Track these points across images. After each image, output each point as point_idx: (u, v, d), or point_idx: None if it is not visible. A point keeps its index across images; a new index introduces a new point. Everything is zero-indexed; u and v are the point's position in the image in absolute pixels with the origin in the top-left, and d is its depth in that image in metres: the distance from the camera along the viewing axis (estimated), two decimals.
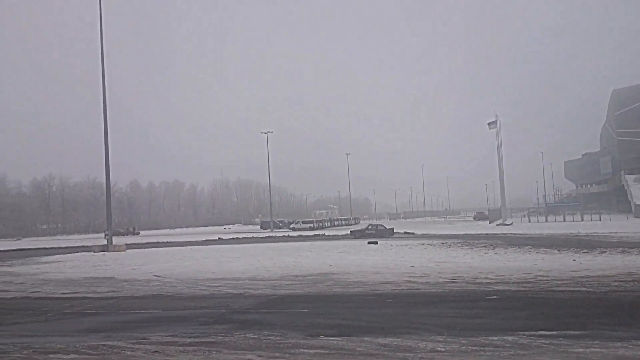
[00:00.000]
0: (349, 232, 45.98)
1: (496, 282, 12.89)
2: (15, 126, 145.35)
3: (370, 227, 45.25)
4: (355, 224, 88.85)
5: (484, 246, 25.07)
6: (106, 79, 33.49)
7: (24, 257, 33.35)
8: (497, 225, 56.36)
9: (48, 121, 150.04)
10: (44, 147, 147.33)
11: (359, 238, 39.13)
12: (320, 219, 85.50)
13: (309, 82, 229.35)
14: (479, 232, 41.70)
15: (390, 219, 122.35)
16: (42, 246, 52.91)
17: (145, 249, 33.94)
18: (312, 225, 71.27)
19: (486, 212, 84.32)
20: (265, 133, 78.99)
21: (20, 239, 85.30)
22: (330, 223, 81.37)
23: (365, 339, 7.11)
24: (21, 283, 16.70)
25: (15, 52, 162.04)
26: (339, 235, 44.91)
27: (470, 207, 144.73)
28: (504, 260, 18.14)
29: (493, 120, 61.80)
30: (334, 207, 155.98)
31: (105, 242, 34.45)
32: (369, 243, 28.63)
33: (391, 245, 27.45)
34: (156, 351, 6.73)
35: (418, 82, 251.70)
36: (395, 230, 44.37)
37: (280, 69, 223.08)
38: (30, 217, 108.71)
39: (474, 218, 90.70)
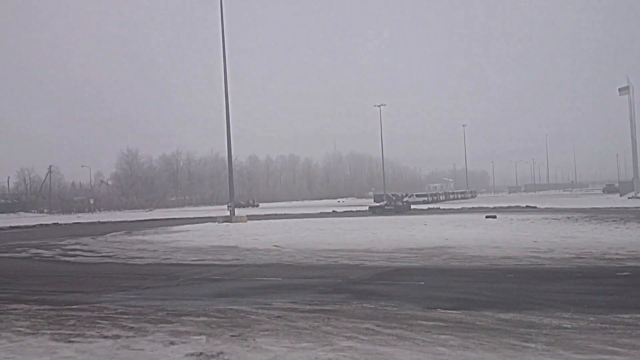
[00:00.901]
0: (367, 208, 45.88)
1: (628, 259, 11.94)
2: (146, 106, 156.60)
3: (388, 202, 45.34)
4: (472, 197, 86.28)
5: (614, 220, 23.29)
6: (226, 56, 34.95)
7: (155, 226, 36.09)
8: (629, 198, 52.17)
9: (176, 100, 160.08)
10: (172, 124, 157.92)
11: (379, 214, 39.16)
12: (435, 192, 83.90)
13: (420, 53, 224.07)
14: (609, 206, 38.82)
15: (509, 192, 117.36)
16: (171, 217, 56.96)
17: (265, 220, 35.39)
18: (426, 198, 70.18)
19: (617, 185, 78.26)
20: (378, 106, 78.54)
21: (151, 210, 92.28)
22: (445, 197, 79.68)
23: (486, 313, 6.90)
24: (154, 250, 18.11)
25: (140, 34, 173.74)
26: (454, 209, 43.87)
27: (599, 180, 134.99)
28: (636, 236, 16.75)
29: (625, 85, 56.74)
30: (449, 180, 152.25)
31: (228, 213, 36.31)
32: (487, 217, 27.69)
33: (511, 219, 26.36)
34: (278, 316, 7.00)
35: (537, 48, 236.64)
36: (495, 205, 42.63)
37: (394, 40, 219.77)
38: (160, 189, 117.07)
39: (603, 191, 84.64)
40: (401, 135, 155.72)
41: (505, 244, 15.51)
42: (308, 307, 7.59)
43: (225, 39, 34.93)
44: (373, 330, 6.17)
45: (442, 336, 5.79)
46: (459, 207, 46.59)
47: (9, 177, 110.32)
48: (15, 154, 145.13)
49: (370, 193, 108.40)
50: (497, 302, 7.73)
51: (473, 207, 46.22)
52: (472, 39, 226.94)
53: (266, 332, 6.19)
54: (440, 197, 76.25)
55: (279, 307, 7.67)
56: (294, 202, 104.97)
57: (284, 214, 50.47)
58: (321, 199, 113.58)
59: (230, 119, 35.19)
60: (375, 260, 13.25)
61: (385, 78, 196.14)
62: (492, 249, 14.49)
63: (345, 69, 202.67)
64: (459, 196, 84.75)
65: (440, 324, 6.41)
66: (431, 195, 75.86)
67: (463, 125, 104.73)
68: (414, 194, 74.18)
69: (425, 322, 6.49)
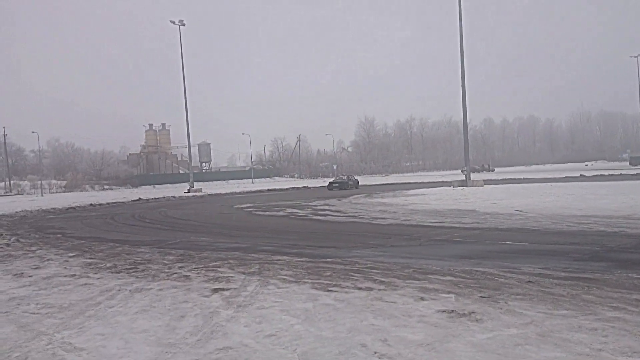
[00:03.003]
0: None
1: None
2: (382, 74, 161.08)
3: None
4: None
5: None
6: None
7: (393, 190, 37.26)
8: None
9: (410, 66, 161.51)
10: (405, 91, 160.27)
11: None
12: None
13: None
14: None
15: None
16: (406, 181, 58.27)
17: (502, 185, 33.91)
18: None
19: None
20: (635, 57, 68.67)
21: (387, 175, 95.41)
22: None
23: None
24: (394, 212, 18.70)
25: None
26: None
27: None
28: None
29: None
30: None
31: (463, 177, 35.68)
32: None
33: None
34: (530, 281, 6.64)
35: None
36: None
37: None
38: (395, 155, 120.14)
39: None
40: None
41: None
42: (563, 274, 7.04)
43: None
44: None
45: None
46: None
47: (264, 146, 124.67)
48: (270, 125, 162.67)
49: (625, 155, 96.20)
50: None
51: None
52: None
53: (518, 296, 5.92)
54: None
55: (529, 272, 7.27)
56: (533, 167, 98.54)
57: (523, 178, 47.75)
58: (565, 163, 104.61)
59: (466, 81, 34.15)
60: (638, 227, 11.71)
61: None
62: None
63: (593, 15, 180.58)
64: None
65: None
66: None
67: None
68: None
69: None
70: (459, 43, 33.81)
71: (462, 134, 40.76)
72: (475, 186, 32.45)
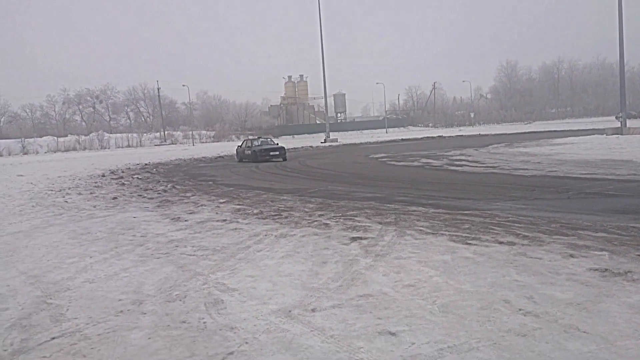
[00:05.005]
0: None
1: None
2: (526, 14, 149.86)
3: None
4: None
5: None
6: None
7: (536, 139, 35.15)
8: None
9: (555, 4, 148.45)
10: (553, 31, 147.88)
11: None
12: None
13: None
14: None
15: None
16: (551, 129, 54.54)
17: None
18: None
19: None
20: None
21: (530, 123, 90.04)
22: None
23: None
24: (538, 162, 17.65)
25: None
26: None
27: None
28: None
29: None
30: None
31: (618, 124, 32.63)
32: None
33: None
34: None
35: None
36: None
37: None
38: (539, 101, 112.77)
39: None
40: None
41: None
42: None
43: None
44: None
45: None
46: None
47: (399, 95, 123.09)
48: (404, 73, 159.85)
49: None
50: None
51: None
52: None
53: None
54: None
55: None
56: None
57: None
58: None
59: (623, 16, 30.65)
60: None
61: None
62: None
63: None
64: None
65: None
66: None
67: None
68: None
69: None
70: None
71: (617, 77, 37.05)
72: (632, 134, 29.53)
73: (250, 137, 38.29)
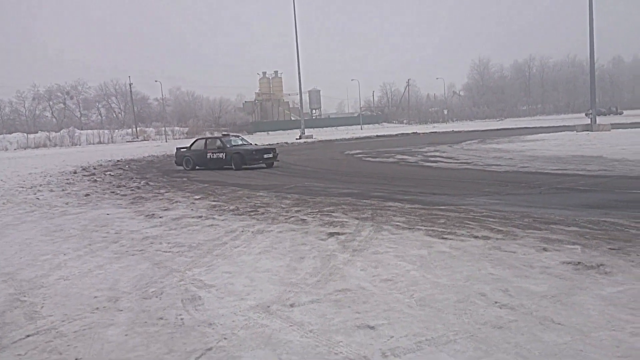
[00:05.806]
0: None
1: None
2: (497, 12, 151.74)
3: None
4: None
5: None
6: None
7: (508, 135, 35.69)
8: None
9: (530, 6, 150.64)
10: (525, 29, 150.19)
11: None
12: None
13: None
14: None
15: None
16: (523, 126, 55.41)
17: (632, 129, 31.27)
18: None
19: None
20: None
21: (502, 120, 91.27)
22: None
23: None
24: (510, 159, 17.93)
25: None
26: None
27: None
28: None
29: None
30: None
31: (588, 121, 33.28)
32: None
33: None
34: None
35: None
36: None
37: None
38: (511, 98, 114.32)
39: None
40: None
41: None
42: None
43: None
44: None
45: None
46: None
47: (373, 92, 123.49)
48: (378, 70, 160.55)
49: None
50: None
51: None
52: None
53: None
54: None
55: None
56: None
57: None
58: None
59: (594, 15, 31.23)
60: None
61: None
62: None
63: None
64: None
65: None
66: None
67: None
68: None
69: None
70: None
71: (587, 75, 37.75)
72: (602, 130, 30.18)
73: (209, 135, 28.90)
